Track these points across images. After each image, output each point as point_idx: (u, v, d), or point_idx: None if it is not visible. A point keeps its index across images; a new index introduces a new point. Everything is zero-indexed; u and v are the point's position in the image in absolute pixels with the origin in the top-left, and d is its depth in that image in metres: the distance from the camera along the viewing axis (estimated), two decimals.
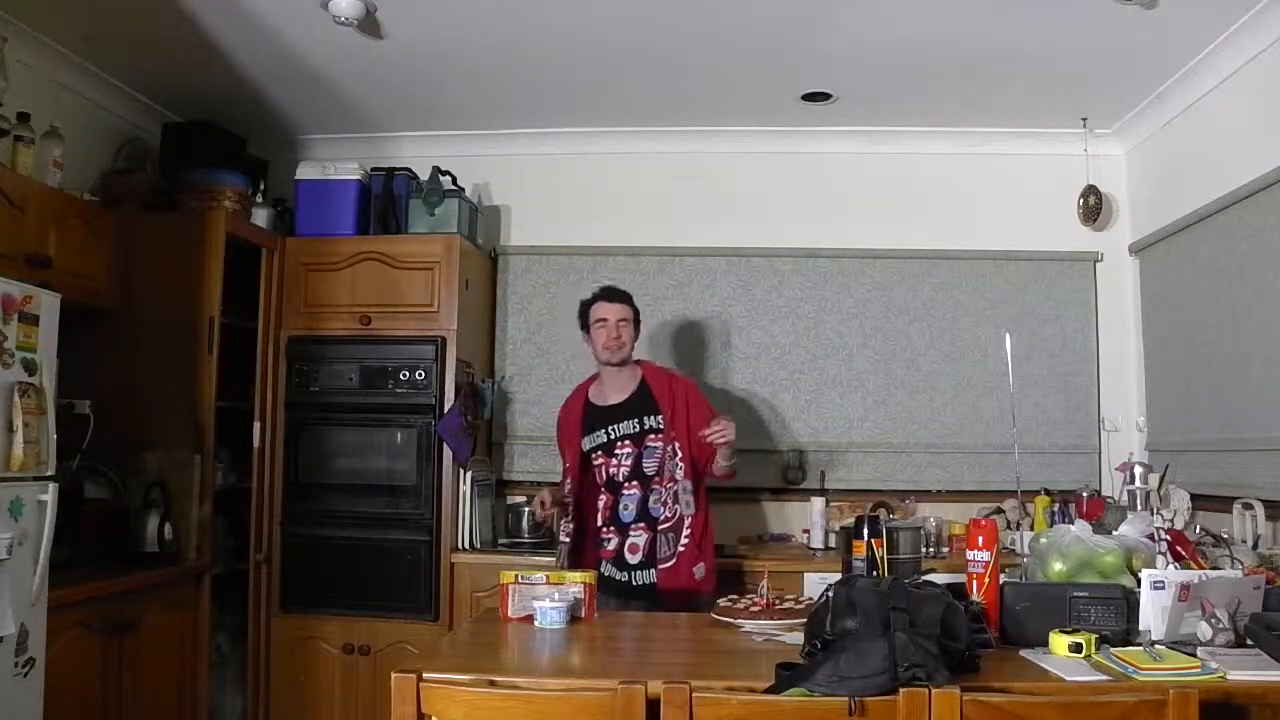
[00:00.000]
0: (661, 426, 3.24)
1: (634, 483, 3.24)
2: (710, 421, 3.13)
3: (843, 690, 1.75)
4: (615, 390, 3.33)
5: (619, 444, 3.26)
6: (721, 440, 3.10)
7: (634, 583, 3.21)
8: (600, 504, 3.29)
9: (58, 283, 3.12)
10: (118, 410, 3.50)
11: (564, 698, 1.84)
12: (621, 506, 3.24)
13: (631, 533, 3.23)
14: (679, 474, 3.20)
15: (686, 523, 3.18)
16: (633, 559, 3.22)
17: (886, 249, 4.57)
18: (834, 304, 4.57)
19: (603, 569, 3.21)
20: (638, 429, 3.26)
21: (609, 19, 3.49)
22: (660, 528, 3.19)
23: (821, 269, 4.58)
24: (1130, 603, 2.19)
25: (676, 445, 3.22)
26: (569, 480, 3.36)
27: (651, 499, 3.22)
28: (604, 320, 3.30)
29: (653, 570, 3.18)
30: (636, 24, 3.53)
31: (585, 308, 3.39)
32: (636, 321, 3.39)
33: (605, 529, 3.27)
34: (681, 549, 3.16)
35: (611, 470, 3.26)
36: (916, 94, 4.14)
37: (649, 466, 3.23)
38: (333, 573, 4.02)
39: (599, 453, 3.28)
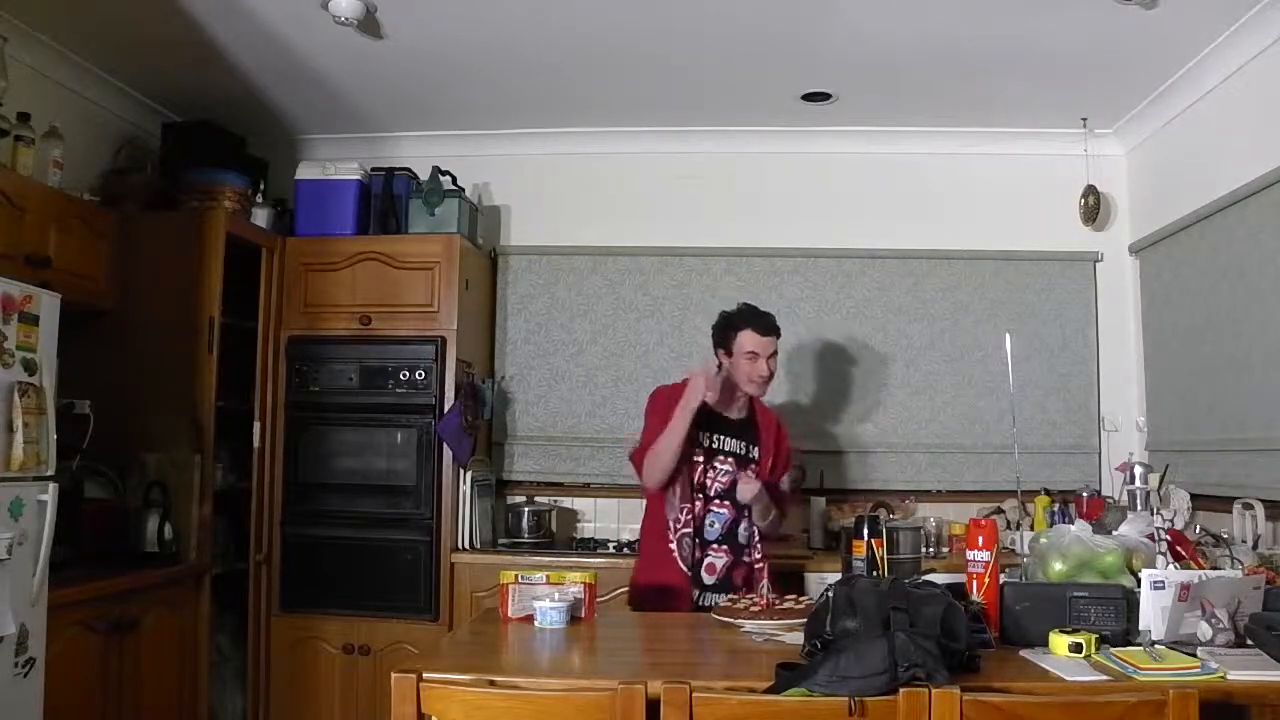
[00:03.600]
0: (759, 459, 3.12)
1: (725, 503, 3.06)
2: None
3: (843, 690, 1.75)
4: (729, 404, 3.13)
5: (720, 457, 3.07)
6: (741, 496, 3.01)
7: (704, 604, 2.96)
8: (694, 508, 3.04)
9: (58, 283, 3.12)
10: (118, 410, 3.50)
11: (564, 698, 1.84)
12: (708, 522, 3.05)
13: (711, 552, 3.04)
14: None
15: (759, 559, 3.06)
16: (708, 579, 3.03)
17: (886, 249, 4.57)
18: (834, 304, 4.57)
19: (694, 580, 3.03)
20: (744, 452, 3.11)
21: (608, 19, 3.49)
22: (748, 560, 3.07)
23: (821, 269, 4.58)
24: (1130, 603, 2.19)
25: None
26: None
27: (742, 526, 3.08)
28: (756, 354, 3.07)
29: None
30: (636, 24, 3.53)
31: (731, 329, 3.12)
32: None
33: (688, 537, 3.04)
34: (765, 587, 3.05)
35: (707, 480, 3.06)
36: (916, 94, 4.14)
37: (745, 494, 3.04)
38: (332, 573, 4.02)
39: (699, 452, 3.05)
